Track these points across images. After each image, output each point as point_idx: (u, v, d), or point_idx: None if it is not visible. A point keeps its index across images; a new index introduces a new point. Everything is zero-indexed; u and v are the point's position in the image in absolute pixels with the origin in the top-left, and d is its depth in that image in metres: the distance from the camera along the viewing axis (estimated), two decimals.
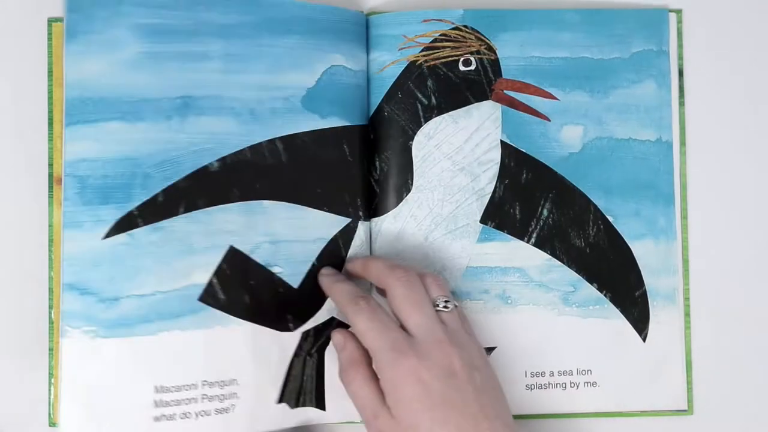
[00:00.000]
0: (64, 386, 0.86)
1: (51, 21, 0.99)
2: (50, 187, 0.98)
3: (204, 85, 0.89)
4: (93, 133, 0.86)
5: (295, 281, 0.93)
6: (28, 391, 0.97)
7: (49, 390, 0.96)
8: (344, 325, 0.96)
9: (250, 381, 0.91)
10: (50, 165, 0.98)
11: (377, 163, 0.98)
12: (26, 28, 1.00)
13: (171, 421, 0.88)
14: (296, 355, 0.94)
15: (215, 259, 0.89)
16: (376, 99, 0.98)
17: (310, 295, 0.94)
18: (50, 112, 0.98)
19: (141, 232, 0.87)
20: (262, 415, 0.92)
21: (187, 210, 0.88)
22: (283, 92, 0.93)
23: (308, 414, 0.95)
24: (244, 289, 0.91)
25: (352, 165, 0.96)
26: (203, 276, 0.89)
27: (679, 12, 1.01)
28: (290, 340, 0.93)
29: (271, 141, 0.92)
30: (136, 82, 0.87)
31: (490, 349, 0.98)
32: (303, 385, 0.94)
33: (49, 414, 0.96)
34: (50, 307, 0.97)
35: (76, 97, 0.86)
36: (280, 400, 0.93)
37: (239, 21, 0.91)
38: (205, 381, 0.89)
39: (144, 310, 0.86)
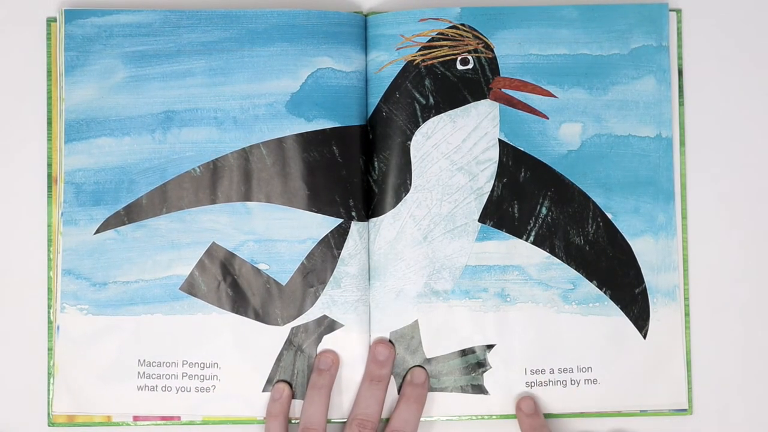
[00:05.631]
0: (60, 354, 0.97)
1: (50, 21, 1.00)
2: (49, 187, 0.99)
3: (186, 99, 0.99)
4: (86, 148, 0.98)
5: (283, 278, 0.98)
6: (28, 390, 0.98)
7: (49, 389, 0.97)
8: (336, 325, 0.97)
9: (232, 367, 0.98)
10: (49, 165, 0.99)
11: (376, 163, 0.98)
12: (25, 29, 1.01)
13: (153, 392, 0.98)
14: (285, 348, 0.98)
15: (197, 253, 0.98)
16: (375, 99, 0.98)
17: (300, 292, 0.98)
18: (49, 111, 0.99)
19: (126, 229, 0.98)
20: (246, 401, 0.98)
21: (170, 210, 0.98)
22: (266, 99, 0.98)
23: (298, 407, 0.98)
24: (226, 282, 0.98)
25: (344, 166, 0.98)
26: (185, 268, 0.98)
27: (678, 12, 1.01)
28: (279, 333, 0.98)
29: (255, 146, 0.98)
30: (122, 103, 0.99)
31: (489, 347, 0.98)
32: (294, 379, 0.98)
33: (48, 413, 0.98)
34: (49, 307, 0.98)
35: (73, 119, 0.98)
36: (268, 390, 0.98)
37: (221, 37, 0.99)
38: (185, 361, 0.98)
39: (129, 294, 0.98)
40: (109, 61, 0.98)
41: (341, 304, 0.97)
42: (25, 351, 0.99)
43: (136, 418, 0.98)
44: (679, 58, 1.00)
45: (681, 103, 1.00)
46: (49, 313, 0.98)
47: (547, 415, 0.98)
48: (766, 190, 1.01)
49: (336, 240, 0.97)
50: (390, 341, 0.98)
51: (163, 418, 0.98)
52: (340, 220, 0.97)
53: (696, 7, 1.01)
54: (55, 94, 0.99)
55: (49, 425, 0.98)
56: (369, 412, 0.95)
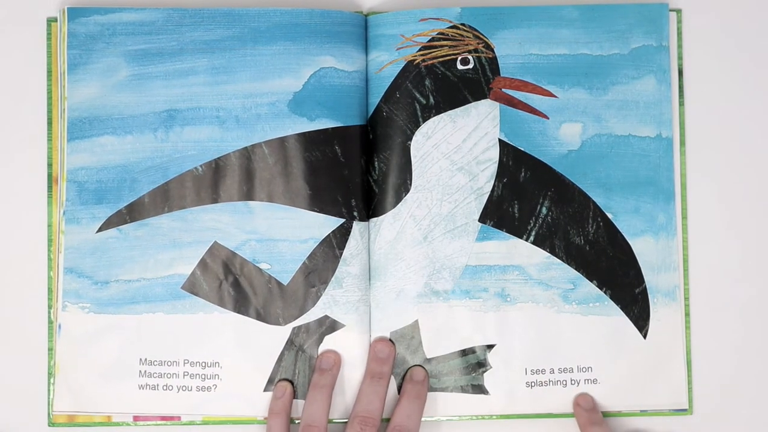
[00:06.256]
0: (61, 353, 0.97)
1: (50, 21, 1.00)
2: (49, 187, 0.99)
3: (189, 98, 0.99)
4: (89, 147, 0.98)
5: (284, 278, 0.98)
6: (28, 390, 0.98)
7: (49, 390, 0.97)
8: (337, 325, 0.98)
9: (234, 366, 0.98)
10: (50, 165, 0.99)
11: (376, 163, 0.98)
12: (26, 28, 1.01)
13: (154, 391, 0.98)
14: (287, 348, 0.98)
15: (199, 252, 0.98)
16: (375, 99, 0.98)
17: (301, 292, 0.98)
18: (49, 111, 0.99)
19: (128, 228, 0.98)
20: (247, 400, 0.98)
21: (172, 209, 0.98)
22: (268, 98, 0.98)
23: (300, 407, 0.98)
24: (227, 281, 0.98)
25: (346, 166, 0.98)
26: (186, 267, 0.98)
27: (679, 12, 1.01)
28: (280, 333, 0.98)
29: (257, 145, 0.98)
30: (125, 101, 0.99)
31: (489, 347, 0.98)
32: (295, 379, 0.98)
33: (49, 414, 0.98)
34: (50, 307, 0.98)
35: (76, 117, 0.98)
36: (269, 390, 0.98)
37: (224, 35, 0.99)
38: (187, 360, 0.98)
39: (130, 293, 0.98)
40: (112, 60, 0.98)
41: (343, 304, 0.97)
42: (25, 351, 0.99)
43: (136, 418, 0.98)
44: (679, 58, 1.00)
45: (681, 103, 1.00)
46: (49, 312, 0.98)
47: (547, 415, 0.98)
48: (766, 190, 1.01)
49: (338, 240, 0.97)
50: (390, 340, 0.98)
51: (163, 418, 0.98)
52: (342, 220, 0.97)
53: (696, 7, 1.01)
54: (55, 94, 0.99)
55: (49, 425, 0.98)
56: (371, 409, 0.95)
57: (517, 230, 0.98)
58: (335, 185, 0.98)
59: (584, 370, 0.98)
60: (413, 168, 0.98)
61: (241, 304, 0.98)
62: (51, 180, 0.99)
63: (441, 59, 0.98)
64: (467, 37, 0.98)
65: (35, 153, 1.00)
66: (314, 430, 0.94)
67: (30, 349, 0.99)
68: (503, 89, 0.98)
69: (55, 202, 0.99)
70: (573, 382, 0.98)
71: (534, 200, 0.98)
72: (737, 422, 1.00)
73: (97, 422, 0.97)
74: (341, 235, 0.98)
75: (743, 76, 1.02)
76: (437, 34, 0.98)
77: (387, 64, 0.98)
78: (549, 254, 0.98)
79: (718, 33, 1.02)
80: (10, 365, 0.99)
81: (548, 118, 0.99)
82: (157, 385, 0.97)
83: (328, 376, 0.96)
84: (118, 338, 0.98)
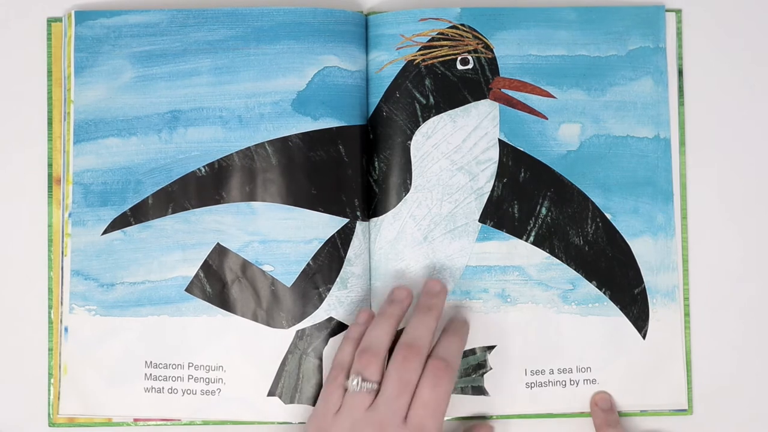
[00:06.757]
0: (68, 355, 0.97)
1: (51, 21, 1.00)
2: (50, 187, 0.98)
3: (192, 98, 0.99)
4: (94, 149, 0.99)
5: (287, 280, 0.97)
6: (28, 391, 0.98)
7: (49, 390, 0.97)
8: (344, 326, 0.97)
9: (237, 370, 0.98)
10: (50, 165, 0.99)
11: (376, 163, 0.98)
12: (26, 28, 1.01)
13: (159, 394, 0.97)
14: (290, 352, 0.97)
15: (202, 255, 0.98)
16: (375, 99, 0.98)
17: (305, 294, 0.97)
18: (50, 112, 1.00)
19: (133, 230, 0.98)
20: (251, 405, 0.97)
21: (175, 211, 0.98)
22: (272, 97, 0.98)
23: (304, 411, 0.97)
24: (231, 284, 0.98)
25: (349, 165, 0.98)
26: (190, 269, 0.98)
27: (678, 12, 1.01)
28: (283, 337, 0.97)
29: (260, 145, 0.98)
30: (129, 103, 0.99)
31: (490, 348, 0.98)
32: (299, 383, 0.97)
33: (49, 414, 0.97)
34: (50, 307, 0.98)
35: (82, 119, 0.99)
36: (272, 394, 0.97)
37: (227, 35, 0.99)
38: (191, 363, 0.97)
39: (135, 295, 0.98)
40: (118, 62, 0.99)
41: (347, 305, 0.97)
42: (25, 351, 0.99)
43: (136, 419, 0.97)
44: (679, 58, 1.01)
45: (681, 104, 1.00)
46: (49, 313, 0.98)
47: (547, 415, 0.98)
48: (766, 190, 1.01)
49: (342, 240, 0.97)
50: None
51: (164, 419, 0.98)
52: (347, 220, 0.97)
53: (696, 7, 1.02)
54: (56, 95, 0.99)
55: (49, 425, 0.97)
56: (416, 336, 0.89)
57: (517, 230, 0.99)
58: (339, 185, 0.97)
59: (583, 370, 0.98)
60: (413, 168, 0.98)
61: (244, 306, 0.97)
62: (51, 180, 0.99)
63: (441, 59, 0.99)
64: (467, 37, 0.99)
65: (35, 153, 1.00)
66: (371, 357, 0.89)
67: (30, 349, 0.99)
68: (502, 89, 0.99)
69: (56, 202, 0.99)
70: (572, 382, 0.98)
71: (534, 200, 0.99)
72: (737, 422, 1.00)
73: (98, 422, 0.97)
74: (345, 236, 0.97)
75: (743, 76, 1.02)
76: (437, 34, 0.99)
77: (387, 63, 0.98)
78: (548, 255, 0.99)
79: (718, 33, 1.02)
80: (10, 365, 0.99)
81: (547, 119, 0.99)
82: (163, 388, 0.97)
83: (397, 307, 0.92)
84: (124, 341, 0.97)
